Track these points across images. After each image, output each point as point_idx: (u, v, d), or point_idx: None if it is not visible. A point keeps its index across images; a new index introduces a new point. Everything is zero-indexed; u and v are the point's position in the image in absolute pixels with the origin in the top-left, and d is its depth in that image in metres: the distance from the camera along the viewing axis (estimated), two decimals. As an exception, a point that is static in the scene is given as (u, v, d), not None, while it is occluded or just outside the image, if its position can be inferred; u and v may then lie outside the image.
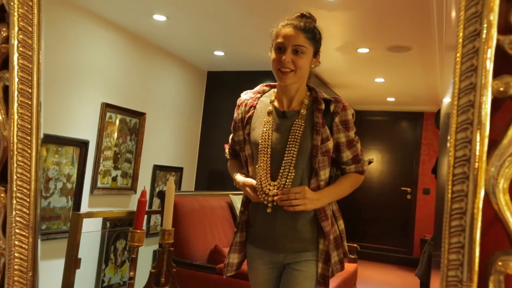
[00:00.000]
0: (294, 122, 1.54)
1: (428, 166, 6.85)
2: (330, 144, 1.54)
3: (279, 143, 1.53)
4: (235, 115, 1.67)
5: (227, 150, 1.84)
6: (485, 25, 0.70)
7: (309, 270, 1.55)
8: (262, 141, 1.54)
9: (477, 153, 0.71)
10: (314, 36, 1.54)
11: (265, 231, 1.57)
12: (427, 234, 6.11)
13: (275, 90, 1.65)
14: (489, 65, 0.71)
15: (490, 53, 0.70)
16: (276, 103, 1.61)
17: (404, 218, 6.97)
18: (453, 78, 0.74)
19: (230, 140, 1.81)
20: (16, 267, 1.02)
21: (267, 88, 1.69)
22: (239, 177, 1.65)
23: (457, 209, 0.73)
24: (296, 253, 1.56)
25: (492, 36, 0.70)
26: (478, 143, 0.71)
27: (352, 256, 4.56)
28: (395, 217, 7.01)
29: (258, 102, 1.64)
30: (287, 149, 1.51)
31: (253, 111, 1.62)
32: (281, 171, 1.51)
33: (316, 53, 1.57)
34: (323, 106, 1.55)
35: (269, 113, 1.58)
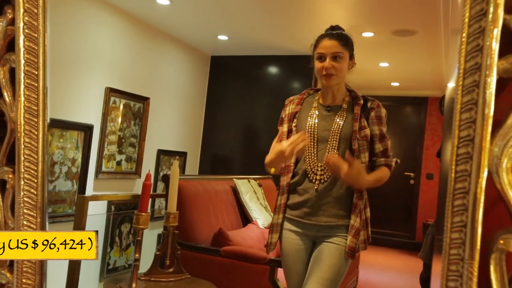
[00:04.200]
0: (338, 114, 1.83)
1: (432, 151, 6.84)
2: (368, 131, 1.81)
3: (324, 130, 1.81)
4: (282, 113, 1.94)
5: None
6: (491, 5, 0.70)
7: (339, 243, 1.78)
8: (309, 128, 1.82)
9: (481, 133, 0.71)
10: (347, 42, 1.85)
11: (303, 205, 1.81)
12: (429, 219, 6.13)
13: (319, 92, 1.93)
14: (495, 45, 0.71)
15: (496, 33, 0.70)
16: (320, 100, 1.89)
17: (407, 203, 6.99)
18: (458, 59, 0.74)
19: (274, 141, 1.91)
20: (25, 246, 1.04)
21: (312, 91, 1.98)
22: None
23: (460, 189, 0.73)
24: (328, 228, 1.79)
25: (498, 16, 0.70)
26: (482, 123, 0.71)
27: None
28: (398, 201, 7.03)
29: (304, 101, 1.93)
30: (330, 134, 1.79)
31: (300, 107, 1.90)
32: (326, 153, 1.77)
33: (351, 56, 1.88)
34: (362, 101, 1.85)
35: (314, 107, 1.87)
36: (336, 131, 1.80)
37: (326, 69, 1.78)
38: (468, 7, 0.72)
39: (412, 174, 6.99)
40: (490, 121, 0.72)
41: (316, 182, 1.79)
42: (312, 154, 1.81)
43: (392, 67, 5.50)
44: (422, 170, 6.95)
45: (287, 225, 1.87)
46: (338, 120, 1.82)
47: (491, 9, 0.70)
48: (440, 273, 0.76)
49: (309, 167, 1.81)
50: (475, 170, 0.71)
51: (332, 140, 1.79)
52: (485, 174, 0.71)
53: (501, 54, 0.72)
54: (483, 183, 0.71)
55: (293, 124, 1.88)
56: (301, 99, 1.94)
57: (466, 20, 0.72)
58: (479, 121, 0.71)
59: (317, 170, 1.79)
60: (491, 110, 0.71)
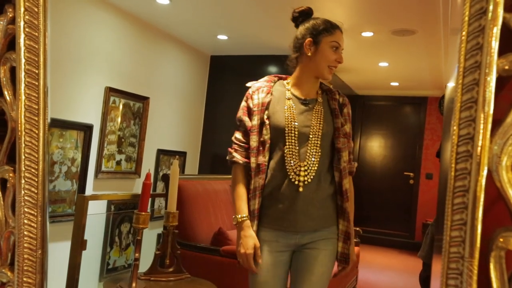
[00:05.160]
0: (315, 108, 1.68)
1: (431, 151, 6.85)
2: (347, 128, 1.71)
3: (304, 126, 1.64)
4: (249, 102, 1.69)
5: (237, 154, 1.69)
6: (491, 3, 0.70)
7: (329, 248, 1.65)
8: (288, 124, 1.63)
9: (481, 131, 0.71)
10: None
11: (285, 211, 1.61)
12: (429, 219, 6.14)
13: (288, 81, 1.76)
14: (495, 44, 0.71)
15: (496, 31, 0.70)
16: (294, 91, 1.71)
17: (406, 202, 7.00)
18: (458, 57, 0.74)
19: (239, 137, 1.71)
20: (25, 245, 1.04)
21: (276, 78, 1.79)
22: (251, 233, 1.60)
23: (460, 187, 0.74)
24: (313, 231, 1.63)
25: (498, 14, 0.70)
26: (482, 122, 0.71)
27: (355, 240, 4.60)
28: (398, 201, 7.03)
29: (273, 89, 1.72)
30: (311, 131, 1.63)
31: (271, 97, 1.69)
32: (308, 152, 1.62)
33: None
34: (338, 96, 1.75)
35: (288, 99, 1.68)
36: (317, 128, 1.64)
37: (339, 62, 1.68)
38: (468, 5, 0.72)
39: (411, 174, 7.00)
40: (490, 119, 0.72)
41: (300, 184, 1.59)
42: (294, 153, 1.61)
43: (391, 66, 5.51)
44: (422, 170, 6.95)
45: (264, 235, 1.63)
46: (316, 115, 1.67)
47: (491, 8, 0.70)
48: (440, 272, 0.77)
49: (290, 168, 1.60)
50: (475, 168, 0.72)
51: (314, 137, 1.63)
52: (485, 172, 0.72)
53: (501, 53, 0.72)
54: (483, 181, 0.71)
55: (265, 116, 1.65)
56: (270, 87, 1.71)
57: (466, 18, 0.72)
58: (479, 119, 0.71)
59: (300, 170, 1.60)
60: (491, 109, 0.71)
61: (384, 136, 7.29)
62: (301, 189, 1.59)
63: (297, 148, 1.62)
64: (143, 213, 2.09)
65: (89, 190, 3.79)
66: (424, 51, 4.65)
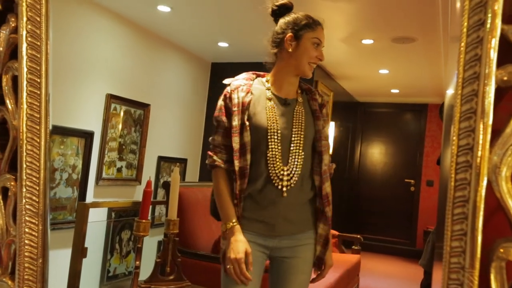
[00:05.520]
0: (296, 109, 1.63)
1: (432, 158, 6.85)
2: (327, 130, 1.68)
3: (286, 128, 1.58)
4: (227, 101, 1.61)
5: (217, 158, 1.60)
6: (489, 15, 0.71)
7: (307, 255, 1.63)
8: (270, 126, 1.56)
9: (480, 141, 0.72)
10: None
11: (266, 216, 1.57)
12: (430, 226, 6.12)
13: (267, 79, 1.69)
14: (493, 55, 0.71)
15: (494, 42, 0.71)
16: (274, 90, 1.65)
17: (407, 209, 6.99)
18: (457, 68, 0.75)
19: (219, 139, 1.62)
20: (26, 253, 1.04)
21: (254, 76, 1.72)
22: (242, 237, 1.53)
23: (460, 197, 0.74)
24: (292, 235, 1.59)
25: (496, 26, 0.71)
26: (481, 132, 0.72)
27: (356, 247, 4.59)
28: (399, 208, 7.02)
29: (252, 88, 1.64)
30: (293, 133, 1.58)
31: (251, 96, 1.61)
32: (291, 155, 1.57)
33: None
34: (318, 97, 1.71)
35: (269, 99, 1.62)
36: (299, 130, 1.59)
37: (320, 59, 1.62)
38: (466, 17, 0.73)
39: (412, 181, 6.99)
40: (489, 130, 0.72)
41: (283, 189, 1.54)
42: (277, 157, 1.55)
43: (392, 74, 5.52)
44: (422, 177, 6.95)
45: (245, 235, 1.56)
46: (297, 116, 1.61)
47: (489, 19, 0.71)
48: (440, 281, 0.77)
49: (273, 172, 1.54)
50: (474, 179, 0.72)
51: (296, 140, 1.57)
52: (484, 182, 0.72)
53: (499, 64, 0.72)
54: (482, 191, 0.72)
55: (245, 117, 1.57)
56: (249, 86, 1.63)
57: (465, 30, 0.73)
58: (478, 130, 0.72)
59: (283, 175, 1.54)
60: (490, 119, 0.72)
61: (384, 143, 7.29)
62: (285, 194, 1.55)
63: (280, 151, 1.56)
64: (144, 220, 2.09)
65: (89, 197, 3.79)
66: (424, 59, 4.67)
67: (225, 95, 1.63)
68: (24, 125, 1.05)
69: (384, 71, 5.43)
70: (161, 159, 4.69)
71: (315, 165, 1.62)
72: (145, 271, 2.23)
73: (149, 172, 4.47)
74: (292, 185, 1.55)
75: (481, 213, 0.72)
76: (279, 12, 1.70)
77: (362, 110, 7.49)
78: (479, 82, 0.72)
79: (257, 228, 1.57)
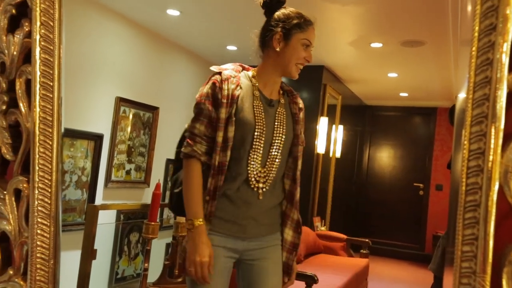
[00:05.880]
0: (278, 111, 1.58)
1: (441, 162, 6.80)
2: (303, 135, 1.62)
3: (269, 130, 1.53)
4: (217, 91, 1.50)
5: (197, 148, 1.49)
6: (501, 19, 0.71)
7: (276, 256, 1.59)
8: (258, 126, 1.50)
9: (492, 146, 0.71)
10: None
11: (238, 216, 1.51)
12: (439, 230, 6.08)
13: (251, 73, 1.62)
14: (505, 59, 0.71)
15: (506, 47, 0.71)
16: (260, 89, 1.58)
17: (416, 214, 6.94)
18: (468, 72, 0.75)
19: (202, 128, 1.51)
20: (38, 255, 1.05)
21: (241, 68, 1.64)
22: (207, 240, 1.46)
23: (471, 202, 0.74)
24: (261, 237, 1.55)
25: (508, 30, 0.71)
26: (493, 136, 0.71)
27: (364, 251, 4.57)
28: (408, 212, 6.98)
29: (240, 82, 1.56)
30: (274, 136, 1.53)
31: (240, 90, 1.53)
32: (269, 158, 1.52)
33: None
34: (299, 100, 1.66)
35: (257, 98, 1.55)
36: (281, 133, 1.55)
37: (308, 60, 1.57)
38: (477, 21, 0.73)
39: (421, 185, 6.95)
40: (501, 134, 0.72)
41: (260, 192, 1.50)
42: (257, 158, 1.50)
43: (400, 77, 5.50)
44: (432, 181, 6.90)
45: (213, 239, 1.48)
46: (279, 118, 1.57)
47: (501, 24, 0.71)
48: (451, 286, 0.76)
49: (252, 173, 1.49)
50: (486, 183, 0.72)
51: (276, 143, 1.53)
52: (496, 187, 0.71)
53: (511, 68, 0.72)
54: (494, 196, 0.71)
55: (232, 111, 1.49)
56: (238, 79, 1.56)
57: (476, 34, 0.73)
58: (490, 134, 0.72)
59: (260, 177, 1.51)
60: (501, 123, 0.72)
61: (393, 146, 7.26)
62: (260, 197, 1.51)
63: (261, 153, 1.50)
64: (153, 223, 2.11)
65: (98, 199, 3.82)
66: (433, 62, 4.65)
67: (214, 83, 1.52)
68: (37, 128, 1.06)
69: (393, 75, 5.41)
70: (169, 161, 4.71)
71: (287, 169, 1.59)
72: (153, 273, 2.24)
73: (157, 174, 4.49)
74: (267, 187, 1.52)
75: (493, 217, 0.72)
76: (270, 4, 1.61)
77: (370, 114, 7.46)
78: (490, 86, 0.72)
79: (227, 229, 1.51)
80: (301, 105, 1.66)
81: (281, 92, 1.63)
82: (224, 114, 1.47)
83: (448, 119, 6.70)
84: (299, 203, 1.61)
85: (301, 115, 1.64)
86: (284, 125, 1.56)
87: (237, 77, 1.55)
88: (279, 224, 1.61)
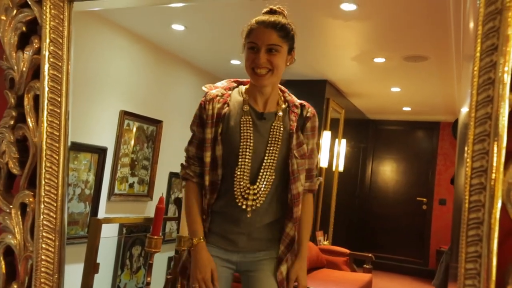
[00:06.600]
0: (273, 124, 1.51)
1: (445, 177, 6.78)
2: (305, 147, 1.53)
3: (260, 146, 1.48)
4: (202, 112, 1.54)
5: (190, 171, 1.57)
6: (502, 39, 0.72)
7: (268, 268, 1.54)
8: (243, 142, 1.47)
9: (494, 164, 0.72)
10: (287, 33, 1.48)
11: (228, 231, 1.52)
12: (443, 245, 6.03)
13: (246, 87, 1.59)
14: (507, 78, 0.72)
15: (508, 66, 0.72)
16: (251, 103, 1.54)
17: (419, 228, 6.89)
18: (470, 91, 0.76)
19: (192, 150, 1.58)
20: (43, 269, 1.06)
21: (235, 84, 1.62)
22: (208, 256, 1.49)
23: (474, 219, 0.74)
24: (256, 251, 1.54)
25: (509, 50, 0.72)
26: (495, 155, 0.72)
27: (367, 266, 4.54)
28: (411, 227, 6.93)
29: (230, 98, 1.55)
30: (267, 151, 1.48)
31: (227, 108, 1.52)
32: (260, 174, 1.47)
33: (290, 50, 1.52)
34: (299, 111, 1.55)
35: (246, 113, 1.51)
36: (275, 148, 1.47)
37: (259, 63, 1.43)
38: (479, 41, 0.74)
39: (424, 199, 6.91)
40: (503, 152, 0.73)
41: (248, 209, 1.46)
42: (245, 175, 1.46)
43: (403, 92, 5.52)
44: (435, 195, 6.87)
45: (210, 250, 1.52)
46: (274, 132, 1.49)
47: (502, 44, 0.72)
48: (455, 303, 0.76)
49: (238, 191, 1.46)
50: (488, 201, 0.72)
51: (269, 159, 1.47)
52: (499, 205, 0.72)
53: (513, 87, 0.73)
54: (497, 213, 0.72)
55: (219, 130, 1.49)
56: (227, 97, 1.54)
57: (478, 54, 0.74)
58: (492, 152, 0.72)
59: (249, 194, 1.46)
60: (503, 142, 0.72)
61: (396, 160, 7.25)
62: (249, 215, 1.46)
63: (249, 169, 1.46)
64: (156, 236, 2.10)
65: (101, 213, 3.82)
66: (436, 77, 4.67)
67: (200, 105, 1.55)
68: (44, 143, 1.08)
69: (396, 89, 5.43)
70: (172, 175, 4.71)
71: (293, 186, 1.51)
72: (156, 287, 2.23)
73: (160, 188, 4.49)
74: (258, 205, 1.47)
75: (496, 235, 0.72)
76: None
77: (373, 128, 7.47)
78: (492, 105, 0.73)
79: (220, 242, 1.53)
80: (310, 114, 1.57)
81: (281, 103, 1.56)
82: (209, 134, 1.49)
83: (452, 133, 6.72)
84: (304, 221, 1.56)
85: (308, 124, 1.55)
86: (279, 139, 1.49)
87: (225, 95, 1.55)
88: (278, 239, 1.56)
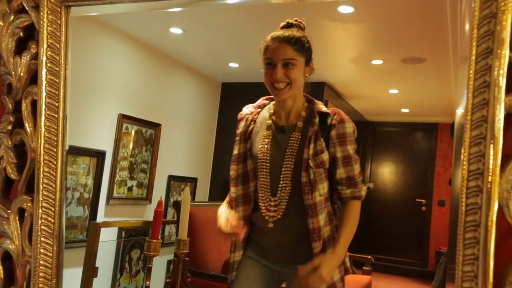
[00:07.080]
0: (291, 136, 1.53)
1: (443, 178, 6.78)
2: (325, 156, 1.49)
3: (278, 158, 1.52)
4: (237, 130, 1.65)
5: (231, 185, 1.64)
6: (497, 43, 0.73)
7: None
8: (261, 156, 1.53)
9: (491, 166, 0.72)
10: (302, 46, 1.51)
11: (259, 242, 1.58)
12: (442, 247, 6.03)
13: (273, 103, 1.63)
14: (502, 81, 0.73)
15: (503, 70, 0.72)
16: (274, 117, 1.59)
17: (418, 230, 6.89)
18: (466, 94, 0.76)
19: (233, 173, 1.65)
20: (41, 274, 1.06)
21: (267, 101, 1.66)
22: (223, 210, 1.59)
23: (471, 222, 0.74)
24: (294, 263, 1.50)
25: (504, 54, 0.72)
26: (491, 157, 0.72)
27: (366, 268, 4.53)
28: (410, 229, 6.93)
29: (257, 116, 1.62)
30: (284, 163, 1.50)
31: (253, 125, 1.60)
32: (279, 186, 1.50)
33: (308, 61, 1.54)
34: (317, 120, 1.53)
35: (268, 128, 1.57)
36: (290, 159, 1.50)
37: (276, 78, 1.47)
38: (475, 44, 0.75)
39: (423, 200, 6.91)
40: (499, 155, 0.73)
41: (270, 220, 1.51)
42: (265, 187, 1.52)
43: (401, 93, 5.53)
44: (434, 196, 6.87)
45: (248, 252, 1.60)
46: (292, 144, 1.52)
47: (497, 47, 0.72)
48: (453, 306, 0.77)
49: (262, 202, 1.52)
50: (485, 203, 0.72)
51: (286, 170, 1.50)
52: (495, 207, 0.72)
53: (508, 90, 0.74)
54: (494, 216, 0.72)
55: (248, 146, 1.58)
56: (255, 114, 1.62)
57: (473, 57, 0.74)
58: (488, 155, 0.73)
59: (270, 206, 1.51)
60: (500, 144, 0.73)
61: (395, 162, 7.25)
62: (270, 225, 1.51)
63: (269, 182, 1.51)
64: (155, 240, 2.10)
65: (100, 216, 3.81)
66: (434, 79, 4.68)
67: (238, 123, 1.68)
68: (42, 148, 1.07)
69: (394, 91, 5.43)
70: (171, 178, 4.71)
71: (310, 195, 1.49)
72: (155, 291, 2.23)
73: (159, 191, 4.49)
74: (279, 216, 1.50)
75: (493, 237, 0.72)
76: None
77: (372, 129, 7.48)
78: (488, 108, 0.73)
79: (258, 250, 1.59)
80: (334, 121, 1.53)
81: (303, 115, 1.56)
82: (237, 150, 1.61)
83: (450, 134, 6.72)
84: (322, 233, 1.51)
85: (333, 132, 1.52)
86: (295, 150, 1.50)
87: (254, 113, 1.63)
88: (312, 255, 1.50)
